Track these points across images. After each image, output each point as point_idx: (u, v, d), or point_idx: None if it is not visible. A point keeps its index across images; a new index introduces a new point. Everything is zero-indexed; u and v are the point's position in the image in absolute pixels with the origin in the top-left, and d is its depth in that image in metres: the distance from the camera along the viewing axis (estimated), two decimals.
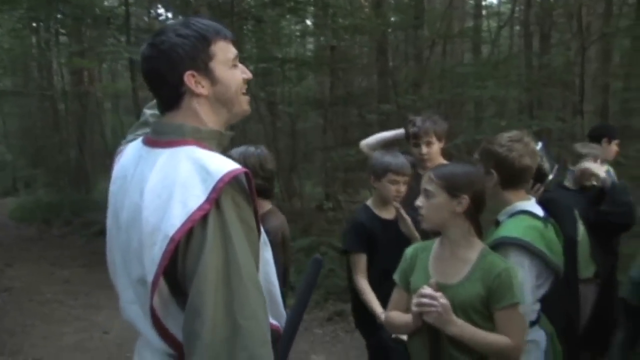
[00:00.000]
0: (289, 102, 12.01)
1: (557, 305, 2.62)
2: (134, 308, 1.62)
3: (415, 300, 2.15)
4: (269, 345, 1.41)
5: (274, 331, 1.60)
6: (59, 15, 13.36)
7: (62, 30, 14.86)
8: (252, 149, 3.06)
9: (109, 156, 15.24)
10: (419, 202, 2.27)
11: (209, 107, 1.62)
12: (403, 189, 3.18)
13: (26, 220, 14.10)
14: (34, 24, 15.06)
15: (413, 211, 2.51)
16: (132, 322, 1.65)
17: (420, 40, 10.79)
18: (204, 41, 1.58)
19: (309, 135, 14.61)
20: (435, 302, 2.07)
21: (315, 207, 11.04)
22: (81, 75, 14.93)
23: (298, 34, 14.21)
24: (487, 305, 2.13)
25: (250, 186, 1.52)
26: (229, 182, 1.45)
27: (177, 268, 1.45)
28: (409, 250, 2.42)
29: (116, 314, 6.28)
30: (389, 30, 11.01)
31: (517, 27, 14.60)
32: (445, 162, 3.52)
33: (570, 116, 8.33)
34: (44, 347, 5.57)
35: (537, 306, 2.46)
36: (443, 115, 3.93)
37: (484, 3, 15.53)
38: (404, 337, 2.54)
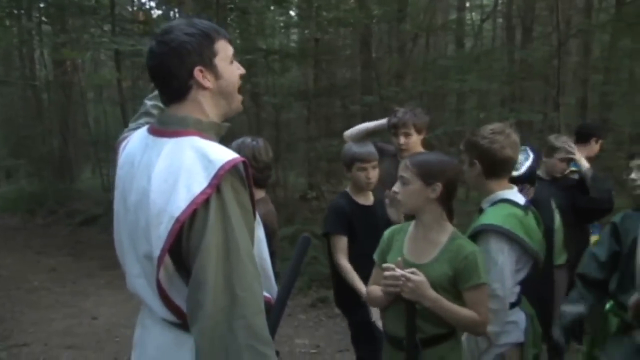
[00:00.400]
0: (273, 93, 12.09)
1: (533, 290, 2.78)
2: (140, 281, 1.76)
3: (382, 279, 2.33)
4: (263, 314, 1.56)
5: (266, 302, 1.72)
6: (41, 4, 13.36)
7: (45, 19, 14.79)
8: (248, 140, 3.22)
9: (93, 145, 15.28)
10: (396, 187, 2.44)
11: (212, 99, 1.77)
12: (372, 174, 3.38)
13: (9, 209, 14.07)
14: (16, 12, 14.93)
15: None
16: (138, 294, 1.80)
17: (403, 33, 10.91)
18: (209, 39, 1.72)
19: (293, 126, 14.71)
20: (398, 282, 2.25)
21: (299, 197, 11.18)
22: (64, 65, 14.88)
23: (282, 25, 14.28)
24: (453, 284, 2.31)
25: (247, 173, 1.67)
26: (229, 170, 1.60)
27: (182, 246, 1.60)
28: (386, 232, 2.59)
29: (103, 301, 6.48)
30: (373, 22, 11.11)
31: (500, 20, 14.70)
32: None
33: (551, 109, 8.53)
34: (34, 333, 5.67)
35: (517, 289, 2.59)
36: (425, 109, 4.08)
37: None
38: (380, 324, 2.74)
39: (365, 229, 3.33)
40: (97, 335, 5.57)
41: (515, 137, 2.60)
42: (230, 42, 1.81)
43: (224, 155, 1.63)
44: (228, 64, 1.78)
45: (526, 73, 9.29)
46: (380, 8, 11.34)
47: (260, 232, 1.85)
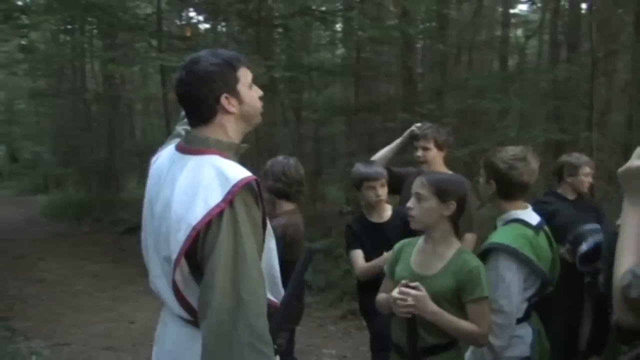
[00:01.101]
0: (314, 109, 12.26)
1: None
2: (160, 281, 1.95)
3: (390, 301, 2.44)
4: (264, 317, 1.74)
5: (272, 306, 1.94)
6: (94, 21, 13.85)
7: (96, 35, 15.33)
8: (280, 157, 3.57)
9: (138, 157, 15.69)
10: (410, 204, 2.53)
11: (235, 122, 1.96)
12: (381, 191, 3.50)
13: (57, 217, 14.60)
14: (69, 27, 15.51)
15: None
16: (158, 293, 1.99)
17: (445, 50, 10.95)
18: (232, 68, 1.92)
19: (336, 141, 14.88)
20: (407, 298, 2.36)
21: (338, 211, 11.28)
22: (113, 79, 15.38)
23: (326, 41, 14.47)
24: (457, 296, 2.42)
25: (260, 190, 1.86)
26: (242, 187, 1.79)
27: (197, 251, 1.79)
28: (397, 245, 2.72)
29: (142, 306, 6.74)
30: (415, 39, 11.19)
31: (547, 36, 14.40)
32: (445, 170, 3.80)
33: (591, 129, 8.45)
34: (75, 334, 5.92)
35: (525, 305, 2.65)
36: (449, 128, 4.18)
37: (512, 11, 15.34)
38: None
39: (376, 245, 3.46)
40: (133, 338, 5.78)
41: (534, 164, 2.67)
42: (250, 68, 1.99)
43: (238, 173, 1.81)
44: (248, 89, 1.96)
45: (564, 92, 9.23)
46: (421, 25, 11.47)
47: (271, 243, 2.03)
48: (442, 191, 2.47)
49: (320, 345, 5.62)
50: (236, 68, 1.92)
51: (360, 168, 3.59)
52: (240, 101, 1.94)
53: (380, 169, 3.57)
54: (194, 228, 1.75)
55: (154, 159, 2.13)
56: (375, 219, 3.58)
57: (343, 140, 13.74)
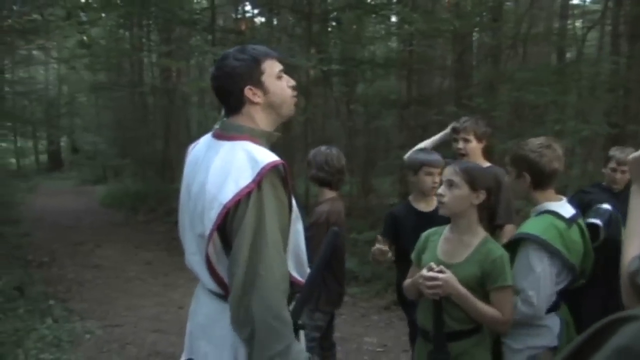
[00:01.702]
0: (365, 102, 12.28)
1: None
2: (195, 258, 2.10)
3: (419, 280, 2.50)
4: (278, 291, 1.87)
5: (297, 285, 2.09)
6: (151, 16, 14.20)
7: (154, 29, 15.69)
8: (323, 148, 3.73)
9: None
10: (442, 190, 2.57)
11: (262, 111, 2.12)
12: (438, 179, 3.46)
13: (115, 206, 15.09)
14: (128, 22, 15.90)
15: None
16: (193, 269, 2.15)
17: (498, 43, 10.81)
18: (256, 62, 2.08)
19: (388, 134, 14.85)
20: (433, 283, 2.42)
21: (389, 205, 11.27)
22: (170, 72, 15.72)
23: (382, 33, 14.44)
24: (481, 284, 2.47)
25: (286, 173, 1.98)
26: (270, 169, 1.92)
27: (227, 227, 1.93)
28: (424, 234, 2.78)
29: (191, 293, 6.89)
30: (470, 30, 11.08)
31: (610, 27, 13.94)
32: (484, 161, 3.80)
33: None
34: (126, 317, 6.19)
35: (554, 297, 2.64)
36: (486, 120, 4.17)
37: (572, 2, 14.90)
38: None
39: (419, 233, 3.47)
40: (181, 322, 5.91)
41: (560, 150, 2.72)
42: (280, 60, 2.14)
43: (267, 157, 1.95)
44: (275, 80, 2.10)
45: (622, 84, 9.00)
46: (475, 17, 11.34)
47: (299, 225, 2.15)
48: (473, 179, 2.50)
49: (361, 334, 5.69)
50: (260, 61, 2.08)
51: (420, 154, 3.64)
52: (265, 91, 2.08)
53: (440, 157, 3.57)
54: (224, 206, 1.89)
55: (191, 146, 2.28)
56: (422, 207, 3.59)
57: (395, 133, 13.72)
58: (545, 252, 2.54)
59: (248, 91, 2.05)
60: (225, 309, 1.96)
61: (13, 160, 25.10)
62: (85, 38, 13.23)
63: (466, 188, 2.50)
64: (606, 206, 3.17)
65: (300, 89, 11.16)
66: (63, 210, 14.74)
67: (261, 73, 2.07)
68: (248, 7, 15.76)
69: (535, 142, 2.73)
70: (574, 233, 2.68)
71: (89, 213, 14.42)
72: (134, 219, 13.30)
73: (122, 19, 14.59)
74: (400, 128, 12.73)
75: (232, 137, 2.06)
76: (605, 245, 2.96)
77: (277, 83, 2.11)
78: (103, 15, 12.94)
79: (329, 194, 3.72)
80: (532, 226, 2.63)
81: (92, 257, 9.24)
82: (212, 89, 2.16)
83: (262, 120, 2.11)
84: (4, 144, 20.76)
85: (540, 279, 2.53)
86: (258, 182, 1.89)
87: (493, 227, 3.81)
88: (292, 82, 2.17)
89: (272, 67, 2.10)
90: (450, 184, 2.53)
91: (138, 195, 15.08)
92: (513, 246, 2.61)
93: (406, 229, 3.56)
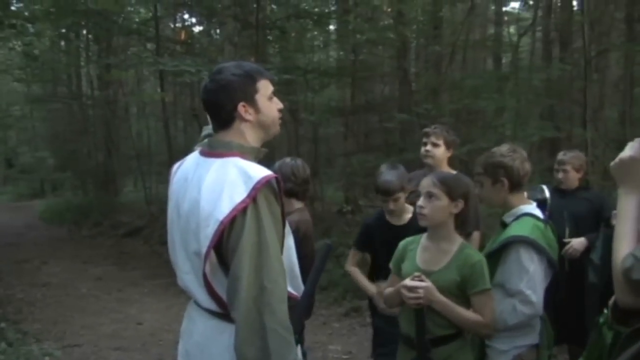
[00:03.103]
0: (311, 110, 12.37)
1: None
2: (189, 277, 2.08)
3: (401, 289, 2.55)
4: (285, 303, 1.90)
5: (292, 299, 2.09)
6: (89, 25, 13.90)
7: (92, 38, 15.38)
8: (288, 159, 3.68)
9: (136, 159, 15.74)
10: (421, 202, 2.63)
11: (252, 129, 2.11)
12: (392, 205, 3.52)
13: (56, 221, 14.68)
14: (65, 32, 15.53)
15: None
16: (187, 289, 2.12)
17: (439, 49, 11.07)
18: (252, 79, 2.07)
19: (332, 142, 14.98)
20: (414, 294, 2.48)
21: (336, 211, 11.38)
22: (110, 83, 15.43)
23: (321, 44, 14.58)
24: (461, 289, 2.54)
25: (279, 188, 1.99)
26: (264, 184, 1.93)
27: (223, 245, 1.93)
28: (402, 243, 2.83)
29: (147, 308, 6.92)
30: (409, 39, 11.32)
31: (540, 34, 14.45)
32: (449, 169, 3.91)
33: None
34: (85, 335, 6.02)
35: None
36: (454, 125, 4.31)
37: (504, 9, 15.39)
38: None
39: (391, 246, 3.55)
40: (142, 338, 5.89)
41: (524, 153, 2.85)
42: (272, 81, 2.14)
43: (261, 172, 1.95)
44: (267, 100, 2.11)
45: (557, 90, 9.38)
46: (416, 25, 11.60)
47: (290, 241, 2.17)
48: (451, 189, 2.59)
49: (325, 342, 5.74)
50: (256, 80, 2.08)
51: (380, 176, 3.58)
52: (258, 110, 2.08)
53: (394, 183, 3.51)
54: (221, 222, 1.89)
55: (176, 166, 2.27)
56: (394, 220, 3.63)
57: (340, 140, 13.86)
58: (535, 251, 2.65)
59: (241, 108, 2.05)
60: (222, 327, 1.98)
61: None
62: (30, 50, 12.87)
63: (445, 199, 2.58)
64: (543, 186, 3.39)
65: None
66: (1, 226, 14.25)
67: (256, 91, 2.08)
68: (186, 16, 15.69)
69: (502, 148, 2.83)
70: (550, 233, 2.82)
71: (29, 229, 13.99)
72: (78, 233, 12.99)
73: (60, 31, 14.19)
74: (345, 135, 12.88)
75: (222, 154, 2.05)
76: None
77: (268, 104, 2.12)
78: (46, 24, 12.62)
79: (297, 204, 3.70)
80: (519, 229, 2.71)
81: (40, 274, 8.98)
82: (202, 102, 2.13)
83: (251, 137, 2.11)
84: None
85: (534, 277, 2.63)
86: (253, 197, 1.90)
87: (465, 234, 3.93)
88: (280, 105, 2.19)
89: (266, 88, 2.11)
90: (430, 196, 2.60)
91: (81, 209, 14.75)
92: (499, 251, 2.71)
93: (377, 241, 3.67)
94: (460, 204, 2.60)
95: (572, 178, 4.28)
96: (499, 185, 2.79)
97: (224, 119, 2.09)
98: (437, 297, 2.49)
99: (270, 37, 12.04)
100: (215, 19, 12.76)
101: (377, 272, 3.58)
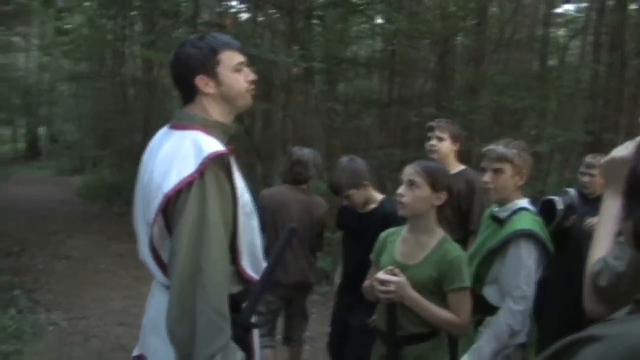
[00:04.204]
0: (347, 100, 12.25)
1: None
2: (145, 249, 2.05)
3: (374, 283, 2.48)
4: (221, 286, 1.83)
5: (250, 282, 2.04)
6: (134, 7, 14.05)
7: (136, 19, 15.54)
8: (307, 150, 4.04)
9: None
10: (402, 190, 2.50)
11: (215, 103, 2.06)
12: (345, 201, 3.56)
13: (90, 197, 14.89)
14: (111, 11, 15.71)
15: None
16: (145, 261, 2.10)
17: (481, 47, 10.83)
18: (212, 51, 2.02)
19: (370, 134, 14.84)
20: (385, 288, 2.39)
21: None
22: (151, 63, 15.54)
23: (361, 34, 14.41)
24: (438, 285, 2.42)
25: (229, 164, 1.93)
26: (213, 159, 1.86)
27: (168, 218, 1.90)
28: (382, 234, 2.74)
29: None
30: (454, 34, 11.11)
31: (591, 37, 14.02)
32: (457, 164, 3.78)
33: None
34: (92, 309, 6.10)
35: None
36: (461, 125, 4.17)
37: (556, 11, 14.97)
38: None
39: (354, 233, 3.58)
40: None
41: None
42: (240, 51, 2.08)
43: (212, 147, 1.89)
44: (231, 72, 2.04)
45: (597, 92, 9.07)
46: (459, 21, 11.35)
47: (253, 222, 2.11)
48: (434, 180, 2.46)
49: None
50: (217, 51, 2.02)
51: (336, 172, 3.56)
52: (219, 83, 2.02)
53: (341, 182, 3.46)
54: (165, 195, 1.84)
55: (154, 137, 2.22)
56: (359, 208, 3.56)
57: (375, 133, 13.70)
58: (534, 245, 2.60)
59: (199, 80, 2.00)
60: None
61: None
62: (62, 25, 13.01)
63: (427, 189, 2.45)
64: (571, 189, 3.30)
65: (281, 86, 11.13)
66: (38, 199, 14.52)
67: (216, 63, 2.01)
68: (233, 2, 15.69)
69: (517, 142, 2.80)
70: (544, 227, 2.77)
71: (64, 203, 14.22)
72: (109, 210, 13.15)
73: (103, 9, 14.34)
74: (380, 128, 12.73)
75: (185, 127, 2.01)
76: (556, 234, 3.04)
77: (232, 75, 2.05)
78: (86, 3, 12.76)
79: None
80: (522, 222, 2.66)
81: (63, 247, 9.10)
82: (171, 77, 2.10)
83: (214, 111, 2.06)
84: None
85: (531, 272, 2.58)
86: (201, 171, 1.84)
87: (467, 232, 3.81)
88: (252, 76, 2.10)
89: (230, 59, 2.04)
90: (411, 184, 2.47)
91: (115, 186, 14.89)
92: (504, 245, 2.65)
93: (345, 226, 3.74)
94: (443, 196, 2.46)
95: (598, 184, 4.05)
96: (517, 178, 2.74)
97: (186, 92, 2.05)
98: (408, 293, 2.36)
99: (309, 25, 11.91)
100: (257, 5, 12.73)
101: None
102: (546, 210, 3.24)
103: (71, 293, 6.64)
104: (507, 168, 2.72)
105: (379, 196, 3.54)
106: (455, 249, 2.47)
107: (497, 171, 2.74)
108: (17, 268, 7.56)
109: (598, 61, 11.48)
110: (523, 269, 2.56)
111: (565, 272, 3.42)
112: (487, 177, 2.78)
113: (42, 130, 28.39)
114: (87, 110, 21.25)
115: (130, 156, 16.54)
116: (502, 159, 2.72)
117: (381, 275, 2.41)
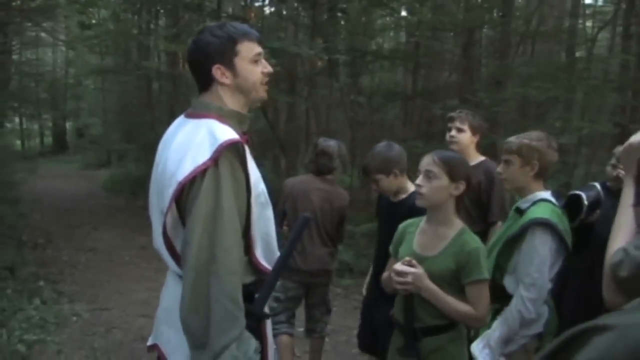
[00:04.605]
0: (371, 93, 12.18)
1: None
2: (160, 239, 2.00)
3: (391, 274, 2.43)
4: (235, 275, 1.81)
5: (263, 272, 2.01)
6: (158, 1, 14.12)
7: (161, 13, 15.62)
8: (332, 141, 4.05)
9: None
10: (420, 181, 2.47)
11: (231, 93, 2.02)
12: (374, 186, 3.46)
13: (116, 190, 15.05)
14: (135, 6, 15.81)
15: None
16: (159, 251, 2.05)
17: (507, 38, 10.68)
18: (231, 41, 1.98)
19: (394, 127, 14.75)
20: (403, 279, 2.35)
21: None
22: (176, 57, 15.62)
23: (391, 26, 14.32)
24: (456, 277, 2.38)
25: (244, 153, 1.90)
26: (228, 147, 1.84)
27: (182, 206, 1.88)
28: (401, 226, 2.69)
29: None
30: (481, 24, 10.97)
31: (620, 28, 13.75)
32: (477, 156, 3.73)
33: None
34: (116, 300, 6.16)
35: (549, 285, 2.62)
36: (482, 116, 4.09)
37: (584, 2, 14.70)
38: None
39: (386, 222, 3.46)
40: None
41: (555, 143, 2.81)
42: (259, 42, 2.04)
43: (227, 135, 1.87)
44: (248, 64, 2.01)
45: (626, 83, 8.88)
46: (484, 12, 11.19)
47: (268, 212, 2.08)
48: (452, 170, 2.42)
49: (351, 326, 5.59)
50: (237, 41, 1.98)
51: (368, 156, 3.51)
52: (236, 74, 1.99)
53: (370, 164, 3.40)
54: (179, 183, 1.82)
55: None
56: (392, 197, 3.50)
57: (399, 126, 13.61)
58: (550, 235, 2.57)
59: (216, 70, 1.97)
60: None
61: (18, 142, 25.09)
62: (85, 19, 13.09)
63: (445, 179, 2.41)
64: (596, 184, 3.25)
65: (305, 79, 11.09)
66: (64, 192, 14.73)
67: (235, 54, 1.98)
68: None
69: (535, 134, 2.78)
70: (565, 219, 2.74)
71: (89, 196, 14.40)
72: (134, 203, 13.26)
73: (127, 3, 14.44)
74: (404, 121, 12.65)
75: (200, 115, 1.99)
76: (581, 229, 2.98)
77: (250, 67, 2.01)
78: None
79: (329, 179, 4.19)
80: (541, 212, 2.64)
81: (88, 240, 9.21)
82: (187, 63, 2.09)
83: (229, 101, 2.02)
84: (8, 125, 20.72)
85: (544, 261, 2.56)
86: (215, 159, 1.82)
87: (487, 224, 3.76)
88: (269, 68, 2.07)
89: (248, 50, 2.00)
90: (429, 175, 2.43)
91: (140, 180, 14.99)
92: (521, 235, 2.63)
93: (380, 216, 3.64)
94: (462, 186, 2.41)
95: None
96: (527, 168, 2.71)
97: (202, 80, 2.03)
98: (425, 284, 2.32)
99: (333, 18, 11.85)
100: None
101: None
102: (572, 204, 3.17)
103: (95, 284, 6.71)
104: (515, 159, 2.73)
105: (411, 187, 3.47)
106: (474, 240, 2.42)
107: (507, 162, 2.78)
108: (43, 260, 7.66)
109: (627, 53, 11.28)
110: (537, 257, 2.54)
111: (586, 265, 3.36)
112: (499, 167, 2.84)
113: (68, 125, 28.76)
114: (112, 105, 21.47)
115: (154, 150, 16.68)
116: (509, 150, 2.76)
117: (398, 266, 2.38)
